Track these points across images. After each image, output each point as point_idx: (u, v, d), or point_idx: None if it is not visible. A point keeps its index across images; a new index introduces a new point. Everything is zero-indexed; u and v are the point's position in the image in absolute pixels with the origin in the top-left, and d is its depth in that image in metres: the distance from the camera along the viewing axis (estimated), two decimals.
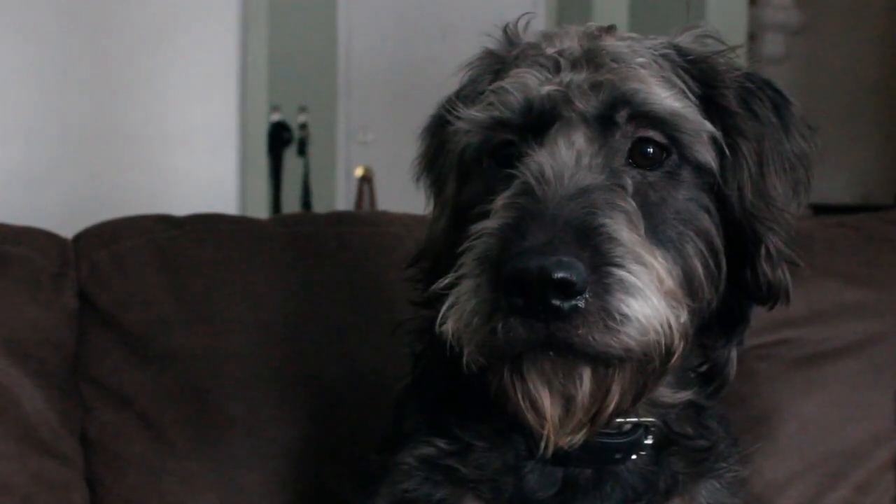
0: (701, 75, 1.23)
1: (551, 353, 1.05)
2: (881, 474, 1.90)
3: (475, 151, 1.22)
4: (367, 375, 1.72)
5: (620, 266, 1.03)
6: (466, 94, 1.27)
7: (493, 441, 1.26)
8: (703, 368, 1.28)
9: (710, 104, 1.22)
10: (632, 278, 1.03)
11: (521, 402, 1.10)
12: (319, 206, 6.00)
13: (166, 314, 1.76)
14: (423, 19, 6.33)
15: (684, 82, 1.21)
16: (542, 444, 1.12)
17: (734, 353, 1.29)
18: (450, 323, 1.07)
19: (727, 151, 1.20)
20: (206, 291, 1.78)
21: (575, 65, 1.19)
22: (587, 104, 1.16)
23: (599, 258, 1.03)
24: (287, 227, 1.92)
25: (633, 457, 1.25)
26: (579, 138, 1.15)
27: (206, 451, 1.70)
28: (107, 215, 1.92)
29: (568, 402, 1.09)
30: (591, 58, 1.19)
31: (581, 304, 1.01)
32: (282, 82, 5.27)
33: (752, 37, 5.98)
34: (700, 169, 1.19)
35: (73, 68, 3.21)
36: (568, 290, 1.00)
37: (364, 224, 1.93)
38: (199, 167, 3.37)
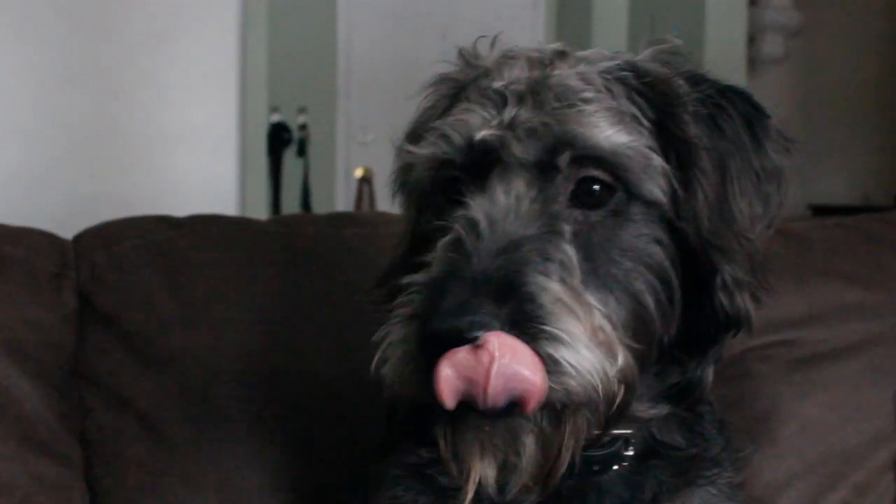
0: (657, 98, 1.19)
1: (487, 422, 1.04)
2: (881, 475, 1.90)
3: (427, 184, 1.22)
4: (367, 375, 1.71)
5: (544, 323, 1.02)
6: (421, 124, 1.26)
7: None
8: (680, 385, 1.25)
9: (665, 130, 1.18)
10: (558, 333, 1.02)
11: (450, 459, 1.09)
12: (319, 207, 6.01)
13: (166, 315, 1.76)
14: (422, 20, 6.32)
15: (638, 108, 1.18)
16: (461, 497, 1.10)
17: (709, 372, 1.27)
18: (386, 369, 1.07)
19: (676, 185, 1.17)
20: (206, 292, 1.78)
21: (521, 99, 1.17)
22: (525, 150, 1.14)
23: (521, 315, 1.02)
24: (287, 227, 1.92)
25: (615, 467, 1.24)
26: (518, 183, 1.13)
27: (205, 451, 1.70)
28: (106, 216, 1.92)
29: (506, 467, 1.08)
30: (535, 92, 1.17)
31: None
32: (281, 83, 5.27)
33: (752, 38, 5.98)
34: (649, 204, 1.17)
35: (72, 69, 3.21)
36: (443, 346, 0.99)
37: (364, 225, 1.93)
38: (199, 168, 3.37)
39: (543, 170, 1.14)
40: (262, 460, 1.70)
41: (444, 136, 1.18)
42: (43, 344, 1.73)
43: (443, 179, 1.20)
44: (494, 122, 1.16)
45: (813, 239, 2.03)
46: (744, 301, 1.19)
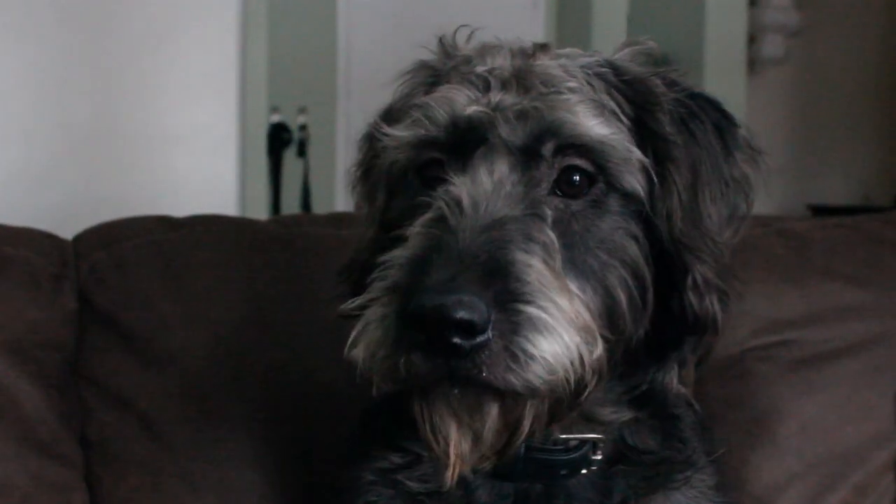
0: (635, 97, 1.20)
1: (456, 388, 1.04)
2: (881, 475, 1.90)
3: (402, 168, 1.21)
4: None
5: (529, 303, 1.02)
6: (399, 108, 1.26)
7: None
8: (643, 389, 1.26)
9: (642, 127, 1.19)
10: (541, 315, 1.02)
11: (429, 434, 1.09)
12: (319, 207, 6.00)
13: (166, 315, 1.76)
14: (422, 20, 6.32)
15: (617, 104, 1.19)
16: (447, 475, 1.11)
17: (671, 377, 1.27)
18: (360, 349, 1.06)
19: (655, 178, 1.17)
20: (206, 292, 1.78)
21: (504, 85, 1.17)
22: (512, 132, 1.14)
23: (506, 295, 1.01)
24: (287, 227, 1.92)
25: (584, 471, 1.25)
26: (502, 166, 1.13)
27: (205, 451, 1.70)
28: (106, 216, 1.92)
29: (476, 437, 1.08)
30: (520, 78, 1.18)
31: (483, 342, 0.99)
32: (281, 83, 5.26)
33: (752, 38, 5.98)
34: (628, 196, 1.17)
35: (72, 69, 3.20)
36: (468, 329, 0.98)
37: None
38: (199, 168, 3.37)
39: (528, 155, 1.15)
40: (262, 460, 1.70)
41: (428, 115, 1.17)
42: (43, 344, 1.73)
43: (421, 161, 1.19)
44: (482, 102, 1.16)
45: (813, 239, 2.03)
46: (712, 303, 1.19)
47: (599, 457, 1.25)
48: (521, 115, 1.15)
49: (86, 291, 1.79)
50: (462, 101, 1.16)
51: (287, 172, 6.04)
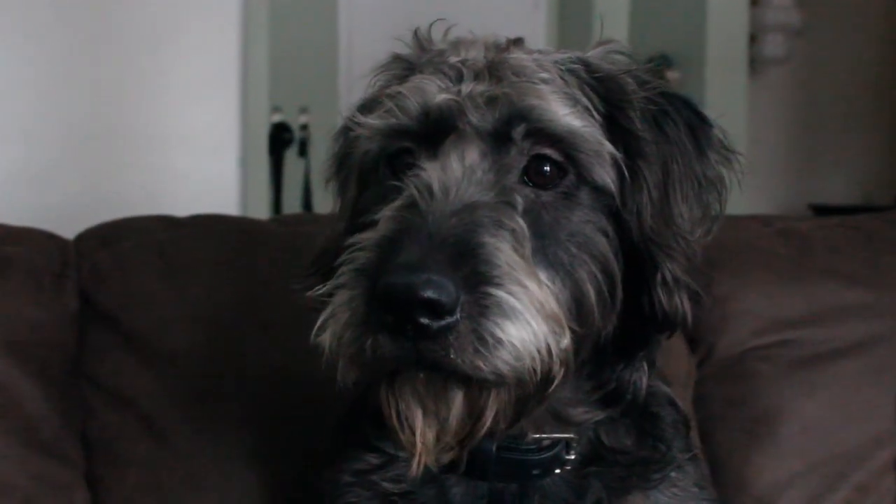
0: (607, 94, 1.20)
1: (422, 372, 1.03)
2: (882, 475, 1.90)
3: (373, 158, 1.21)
4: None
5: (498, 286, 1.01)
6: (373, 99, 1.26)
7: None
8: (611, 388, 1.25)
9: (614, 124, 1.19)
10: (510, 300, 1.01)
11: (395, 421, 1.08)
12: (320, 207, 5.99)
13: (167, 314, 1.76)
14: (424, 20, 6.32)
15: (589, 100, 1.19)
16: (414, 464, 1.10)
17: (638, 376, 1.26)
18: (326, 334, 1.05)
19: (626, 174, 1.17)
20: (207, 292, 1.78)
21: (477, 75, 1.17)
22: (482, 118, 1.14)
23: (475, 278, 1.00)
24: (288, 227, 1.92)
25: (557, 471, 1.24)
26: (472, 152, 1.13)
27: (206, 450, 1.70)
28: (107, 216, 1.92)
29: (440, 424, 1.07)
30: (493, 69, 1.18)
31: (451, 324, 0.98)
32: (283, 83, 5.26)
33: (753, 38, 5.98)
34: (598, 190, 1.17)
35: (73, 69, 3.21)
36: (436, 309, 0.97)
37: None
38: (200, 168, 3.37)
39: (498, 141, 1.14)
40: (263, 459, 1.70)
41: (399, 105, 1.17)
42: (44, 344, 1.73)
43: (392, 150, 1.19)
44: (453, 91, 1.16)
45: (814, 239, 2.03)
46: (681, 300, 1.18)
47: (573, 457, 1.25)
48: (491, 101, 1.15)
49: (87, 291, 1.79)
50: (433, 90, 1.17)
51: (288, 172, 6.04)
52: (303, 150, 6.14)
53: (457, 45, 1.24)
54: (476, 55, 1.20)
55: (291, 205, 5.98)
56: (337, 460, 1.32)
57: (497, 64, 1.18)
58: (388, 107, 1.18)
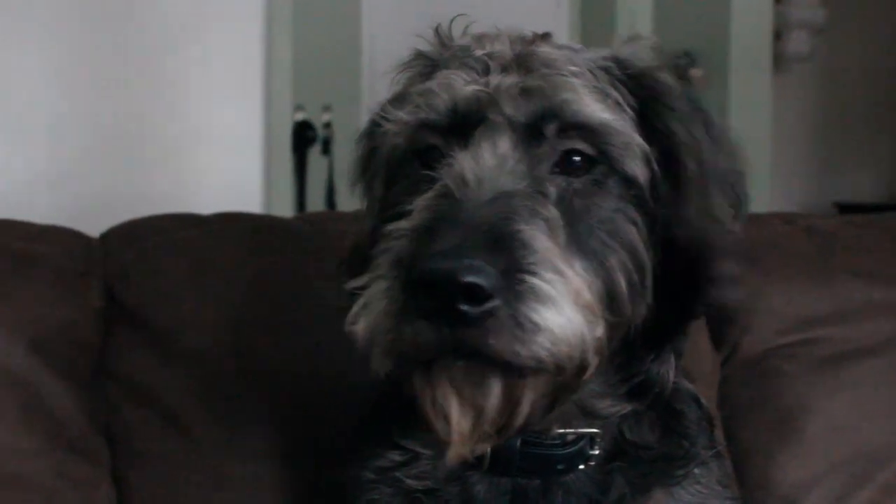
0: (639, 90, 1.20)
1: (460, 360, 1.03)
2: None
3: (402, 154, 1.21)
4: None
5: (534, 274, 1.00)
6: (399, 96, 1.25)
7: (440, 449, 1.22)
8: (639, 380, 1.25)
9: (646, 120, 1.19)
10: (545, 287, 1.01)
11: (431, 410, 1.07)
12: (344, 205, 6.00)
13: (191, 312, 1.77)
14: (446, 18, 6.32)
15: (621, 95, 1.19)
16: (449, 455, 1.09)
17: (666, 369, 1.26)
18: (360, 324, 1.05)
19: (656, 170, 1.18)
20: (231, 289, 1.79)
21: (505, 68, 1.17)
22: (515, 110, 1.14)
23: (512, 265, 1.00)
24: (312, 224, 1.93)
25: (581, 466, 1.24)
26: (504, 143, 1.13)
27: (231, 448, 1.71)
28: (132, 214, 1.93)
29: (477, 413, 1.07)
30: (521, 62, 1.17)
31: (490, 309, 0.98)
32: (306, 82, 5.26)
33: (778, 35, 5.94)
34: (628, 181, 1.17)
35: (98, 68, 3.22)
36: (476, 295, 0.97)
37: None
38: (224, 166, 3.38)
39: (530, 133, 1.14)
40: (286, 456, 1.71)
41: (428, 100, 1.17)
42: (70, 342, 1.74)
43: (422, 146, 1.19)
44: (481, 83, 1.16)
45: (839, 237, 2.02)
46: (734, 294, 1.19)
47: (597, 452, 1.24)
48: (525, 93, 1.15)
49: (112, 289, 1.80)
50: (461, 84, 1.16)
51: (311, 170, 6.05)
52: (326, 148, 6.15)
53: (481, 39, 1.24)
54: (502, 48, 1.20)
55: (315, 202, 5.99)
56: (359, 457, 1.32)
57: (525, 56, 1.18)
58: (417, 102, 1.18)
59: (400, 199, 1.18)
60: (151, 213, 1.92)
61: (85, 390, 1.73)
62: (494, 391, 1.05)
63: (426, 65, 1.26)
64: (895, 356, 1.92)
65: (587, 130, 1.15)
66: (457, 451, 1.09)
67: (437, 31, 1.30)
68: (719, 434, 1.85)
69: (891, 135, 6.70)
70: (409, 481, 1.26)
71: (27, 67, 3.14)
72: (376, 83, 6.44)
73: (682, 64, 1.33)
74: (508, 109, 1.14)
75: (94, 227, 1.90)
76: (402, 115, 1.19)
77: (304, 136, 5.94)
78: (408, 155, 1.20)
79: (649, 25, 5.06)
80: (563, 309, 1.01)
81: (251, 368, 1.74)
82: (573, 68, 1.17)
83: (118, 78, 3.26)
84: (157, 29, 3.30)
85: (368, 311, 1.04)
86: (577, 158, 1.15)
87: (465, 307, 0.97)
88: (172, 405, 1.74)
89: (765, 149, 4.87)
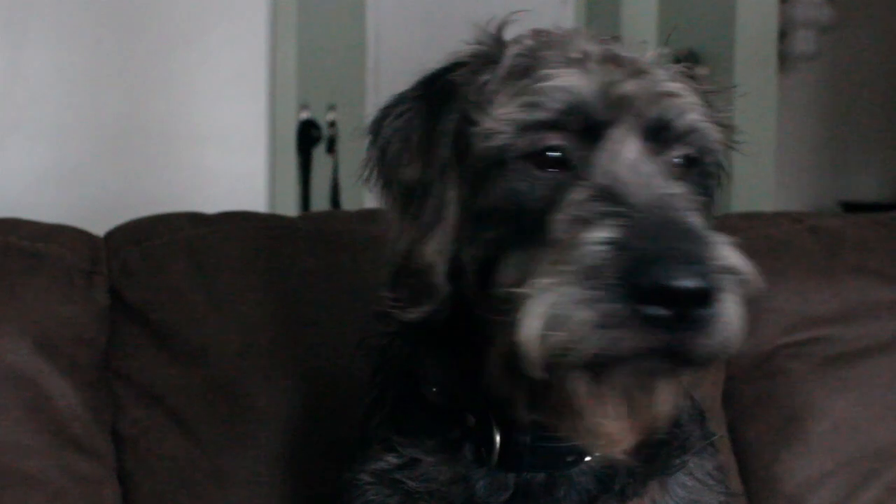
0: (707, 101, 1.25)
1: (658, 361, 1.03)
2: None
3: (499, 153, 1.15)
4: None
5: (724, 272, 1.02)
6: (483, 94, 1.19)
7: (443, 455, 1.25)
8: None
9: None
10: (732, 284, 1.03)
11: (588, 411, 1.07)
12: (348, 204, 6.01)
13: (196, 311, 1.77)
14: (451, 17, 6.32)
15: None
16: (602, 450, 1.12)
17: None
18: (540, 331, 1.02)
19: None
20: (236, 288, 1.79)
21: (629, 71, 1.16)
22: (646, 113, 1.14)
23: (715, 266, 1.02)
24: (316, 224, 1.93)
25: (587, 459, 1.24)
26: (636, 146, 1.12)
27: (236, 446, 1.71)
28: (137, 213, 1.93)
29: (644, 411, 1.09)
30: (630, 64, 1.17)
31: (712, 311, 1.00)
32: (311, 80, 5.28)
33: (783, 34, 5.93)
34: (711, 183, 1.23)
35: (103, 68, 3.22)
36: (707, 299, 0.99)
37: None
38: (229, 165, 3.38)
39: (656, 137, 1.15)
40: (292, 456, 1.71)
41: (547, 99, 1.13)
42: (75, 340, 1.74)
43: (539, 148, 1.13)
44: (615, 84, 1.14)
45: (845, 236, 2.01)
46: None
47: None
48: (655, 97, 1.15)
49: (117, 287, 1.80)
50: (590, 83, 1.14)
51: (316, 169, 6.06)
52: (331, 147, 6.15)
53: (566, 37, 1.22)
54: (592, 49, 1.18)
55: (319, 202, 6.00)
56: (355, 459, 1.32)
57: (629, 59, 1.18)
58: (526, 100, 1.14)
59: (505, 203, 1.14)
60: (156, 212, 1.92)
61: (90, 388, 1.74)
62: (666, 390, 1.08)
63: (485, 63, 1.21)
64: None
65: (697, 135, 1.17)
66: (613, 448, 1.11)
67: (493, 28, 1.25)
68: (724, 433, 1.85)
69: None
70: (410, 483, 1.25)
71: (33, 67, 3.15)
72: (381, 82, 6.44)
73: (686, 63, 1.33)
74: (642, 112, 1.14)
75: (99, 226, 1.90)
76: (514, 114, 1.14)
77: (308, 135, 5.95)
78: (513, 155, 1.14)
79: (654, 23, 5.06)
80: (740, 305, 1.04)
81: (255, 367, 1.74)
82: (668, 73, 1.19)
83: (123, 77, 3.27)
84: (161, 28, 3.30)
85: (559, 319, 1.01)
86: (686, 164, 1.17)
87: (700, 312, 0.99)
88: (177, 404, 1.74)
89: (770, 148, 4.87)
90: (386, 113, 1.26)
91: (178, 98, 3.34)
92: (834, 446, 1.86)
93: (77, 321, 1.75)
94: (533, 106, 1.13)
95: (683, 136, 1.16)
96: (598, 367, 1.03)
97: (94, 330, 1.77)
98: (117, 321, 1.79)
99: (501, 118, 1.14)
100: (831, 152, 6.61)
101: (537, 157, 1.13)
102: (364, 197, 6.38)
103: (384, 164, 1.24)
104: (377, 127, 1.26)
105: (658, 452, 1.26)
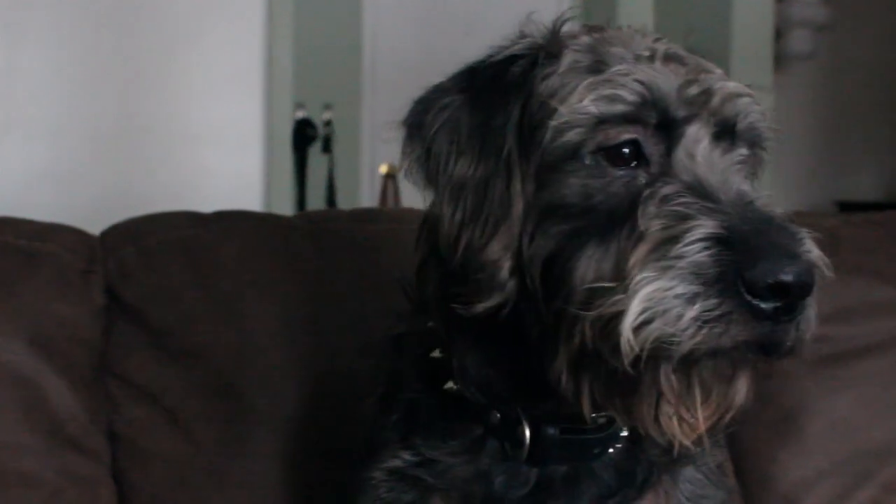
0: None
1: (752, 353, 1.07)
2: None
3: (575, 147, 1.12)
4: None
5: (818, 266, 1.07)
6: (549, 88, 1.16)
7: (464, 454, 1.25)
8: None
9: None
10: (821, 278, 1.07)
11: (670, 404, 1.09)
12: (344, 203, 6.01)
13: (192, 310, 1.77)
14: (447, 16, 6.32)
15: None
16: (680, 440, 1.13)
17: None
18: (645, 323, 1.03)
19: None
20: (232, 287, 1.79)
21: (693, 69, 1.17)
22: (721, 111, 1.15)
23: (811, 259, 1.06)
24: (312, 223, 1.93)
25: (610, 451, 1.25)
26: (708, 143, 1.13)
27: (232, 446, 1.71)
28: (134, 212, 1.93)
29: (724, 401, 1.11)
30: (692, 63, 1.18)
31: (807, 303, 1.05)
32: (307, 80, 5.27)
33: (779, 33, 5.94)
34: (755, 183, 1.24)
35: (99, 66, 3.22)
36: (810, 292, 1.04)
37: (388, 221, 1.93)
38: (225, 164, 3.38)
39: (724, 134, 1.16)
40: (288, 456, 1.71)
41: (617, 92, 1.13)
42: (71, 339, 1.74)
43: (614, 142, 1.12)
44: (691, 78, 1.15)
45: (841, 236, 2.02)
46: None
47: (626, 433, 1.25)
48: (727, 97, 1.16)
49: (113, 287, 1.80)
50: (671, 79, 1.14)
51: (312, 168, 6.05)
52: (326, 147, 6.15)
53: (625, 34, 1.22)
54: (658, 47, 1.19)
55: (315, 201, 6.00)
56: (369, 457, 1.32)
57: (691, 59, 1.19)
58: (606, 94, 1.12)
59: (577, 196, 1.12)
60: (152, 211, 1.92)
61: (86, 388, 1.73)
62: (743, 380, 1.11)
63: (546, 57, 1.19)
64: None
65: (756, 135, 1.20)
66: (685, 438, 1.12)
67: (553, 24, 1.25)
68: (721, 433, 1.85)
69: (893, 133, 6.70)
70: (431, 480, 1.25)
71: (29, 67, 3.14)
72: (377, 82, 6.44)
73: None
74: (717, 110, 1.15)
75: (95, 226, 1.90)
76: (589, 107, 1.12)
77: (304, 134, 5.94)
78: (588, 149, 1.13)
79: (651, 22, 5.06)
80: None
81: (252, 367, 1.74)
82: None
83: (120, 77, 3.27)
84: (158, 27, 3.30)
85: (669, 310, 1.02)
86: (745, 158, 1.19)
87: (802, 304, 1.04)
88: (173, 403, 1.74)
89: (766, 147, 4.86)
90: (426, 106, 1.22)
91: (175, 97, 3.34)
92: (829, 446, 1.86)
93: (73, 320, 1.75)
94: (611, 99, 1.12)
95: (747, 135, 1.18)
96: (692, 358, 1.05)
97: (90, 329, 1.76)
98: (114, 320, 1.79)
99: (577, 112, 1.13)
100: (827, 152, 6.62)
101: (613, 151, 1.13)
102: (359, 196, 6.38)
103: (430, 159, 1.20)
104: (417, 120, 1.22)
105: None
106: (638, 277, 1.03)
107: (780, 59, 6.14)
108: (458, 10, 6.17)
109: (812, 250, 1.06)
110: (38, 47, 3.16)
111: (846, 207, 6.15)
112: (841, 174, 6.67)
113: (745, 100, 1.18)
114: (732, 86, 1.18)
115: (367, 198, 6.32)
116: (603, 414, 1.20)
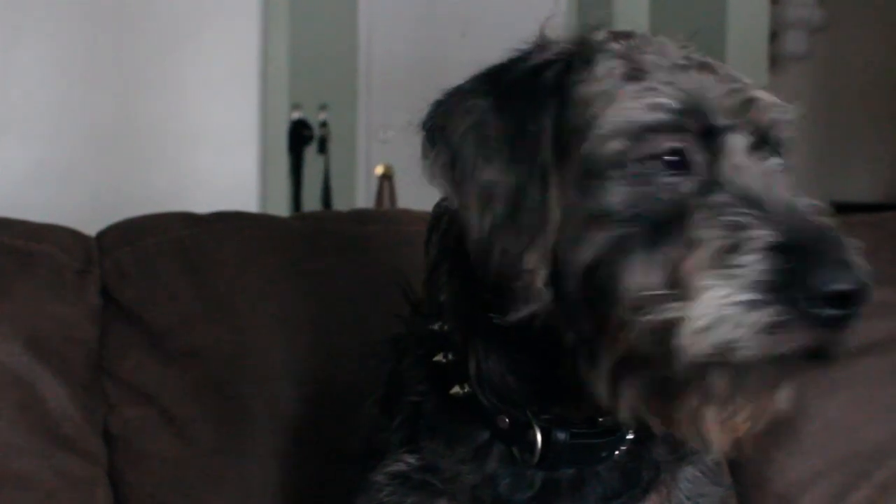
0: None
1: (798, 359, 1.07)
2: None
3: (617, 155, 1.11)
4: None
5: (867, 275, 1.08)
6: (586, 95, 1.15)
7: (472, 461, 1.24)
8: None
9: None
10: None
11: (716, 409, 1.09)
12: (340, 204, 6.01)
13: (188, 311, 1.77)
14: (443, 18, 6.32)
15: None
16: (714, 448, 1.12)
17: None
18: (705, 331, 1.02)
19: None
20: (228, 288, 1.79)
21: (726, 78, 1.17)
22: (760, 121, 1.16)
23: (862, 268, 1.08)
24: (308, 224, 1.93)
25: (616, 452, 1.25)
26: (750, 152, 1.14)
27: (228, 447, 1.71)
28: (129, 213, 1.93)
29: (757, 410, 1.11)
30: (724, 72, 1.18)
31: (859, 311, 1.07)
32: (302, 80, 5.28)
33: (774, 34, 5.95)
34: None
35: (95, 67, 3.22)
36: (865, 299, 1.06)
37: (384, 222, 1.93)
38: (221, 165, 3.38)
39: (762, 146, 1.16)
40: (285, 458, 1.71)
41: (659, 100, 1.12)
42: (66, 340, 1.74)
43: (659, 151, 1.11)
44: (734, 88, 1.16)
45: None
46: None
47: (632, 435, 1.25)
48: (767, 108, 1.17)
49: (109, 287, 1.80)
50: (703, 87, 1.14)
51: (308, 169, 6.06)
52: (322, 147, 6.16)
53: (656, 42, 1.20)
54: (694, 55, 1.19)
55: (311, 202, 6.01)
56: (372, 459, 1.31)
57: (722, 68, 1.19)
58: (650, 102, 1.11)
59: (621, 204, 1.10)
60: (148, 211, 1.92)
61: (82, 389, 1.73)
62: (787, 386, 1.12)
63: (579, 63, 1.17)
64: (892, 356, 1.92)
65: (788, 145, 1.21)
66: (724, 445, 1.12)
67: (581, 31, 1.24)
68: None
69: (888, 134, 6.71)
70: (437, 484, 1.25)
71: (24, 66, 3.14)
72: (373, 83, 6.44)
73: None
74: (756, 120, 1.15)
75: (91, 226, 1.90)
76: (628, 115, 1.11)
77: (300, 135, 5.95)
78: (632, 157, 1.11)
79: (646, 23, 5.07)
80: None
81: (249, 368, 1.74)
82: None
83: (115, 77, 3.27)
84: (154, 28, 3.30)
85: (731, 318, 1.02)
86: (779, 167, 1.19)
87: (858, 311, 1.06)
88: (170, 404, 1.73)
89: None
90: (449, 109, 1.18)
91: (171, 98, 3.34)
92: (825, 446, 1.86)
93: (69, 321, 1.75)
94: (656, 108, 1.11)
95: (780, 144, 1.19)
96: (748, 365, 1.05)
97: (86, 330, 1.76)
98: (109, 321, 1.78)
99: (621, 119, 1.11)
100: (822, 153, 6.62)
101: (658, 159, 1.11)
102: (355, 197, 6.38)
103: (457, 164, 1.16)
104: (440, 123, 1.18)
105: (667, 443, 1.27)
106: (698, 284, 1.03)
107: (776, 60, 6.15)
108: (453, 12, 6.17)
109: (860, 259, 1.08)
110: (34, 48, 3.16)
111: (841, 208, 6.12)
112: (837, 175, 6.69)
113: (780, 109, 1.19)
114: (767, 95, 1.18)
115: (363, 199, 6.33)
116: (611, 417, 1.19)
